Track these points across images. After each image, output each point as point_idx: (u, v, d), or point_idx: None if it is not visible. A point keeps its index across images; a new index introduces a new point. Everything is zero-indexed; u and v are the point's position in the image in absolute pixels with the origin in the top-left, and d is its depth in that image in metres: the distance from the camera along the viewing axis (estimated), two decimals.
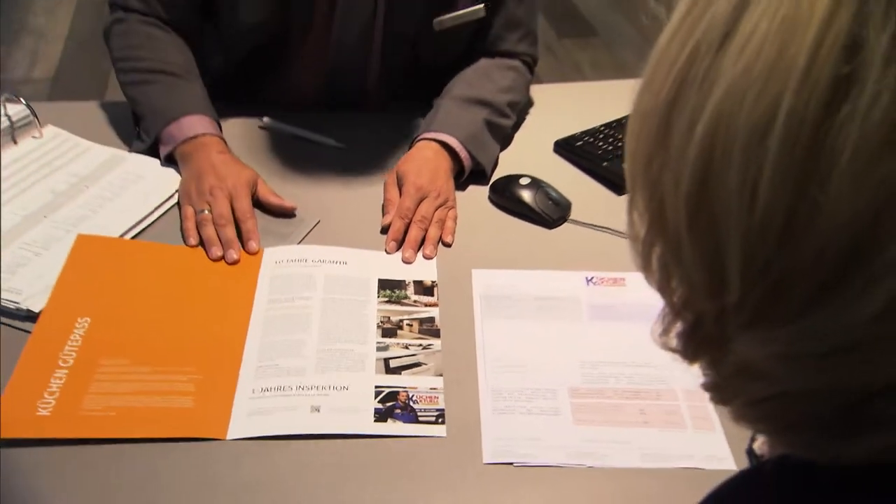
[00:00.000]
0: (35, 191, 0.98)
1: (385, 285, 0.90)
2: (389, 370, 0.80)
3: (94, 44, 2.71)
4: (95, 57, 2.69)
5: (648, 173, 0.30)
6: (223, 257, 0.91)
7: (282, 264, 0.91)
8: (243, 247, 0.93)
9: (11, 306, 0.82)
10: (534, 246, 0.97)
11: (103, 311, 0.83)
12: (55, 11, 3.09)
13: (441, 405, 0.76)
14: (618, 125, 1.14)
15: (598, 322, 0.86)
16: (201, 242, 0.93)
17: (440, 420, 0.75)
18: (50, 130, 1.09)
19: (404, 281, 0.91)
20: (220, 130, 1.05)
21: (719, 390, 0.34)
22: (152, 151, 1.05)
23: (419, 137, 1.04)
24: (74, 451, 0.71)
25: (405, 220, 0.95)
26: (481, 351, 0.82)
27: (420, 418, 0.75)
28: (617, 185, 1.05)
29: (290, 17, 1.06)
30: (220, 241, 0.92)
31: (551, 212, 1.00)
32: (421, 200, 0.97)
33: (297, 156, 1.08)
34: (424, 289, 0.90)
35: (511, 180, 1.03)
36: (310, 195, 1.02)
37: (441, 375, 0.79)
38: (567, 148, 1.12)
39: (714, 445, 0.74)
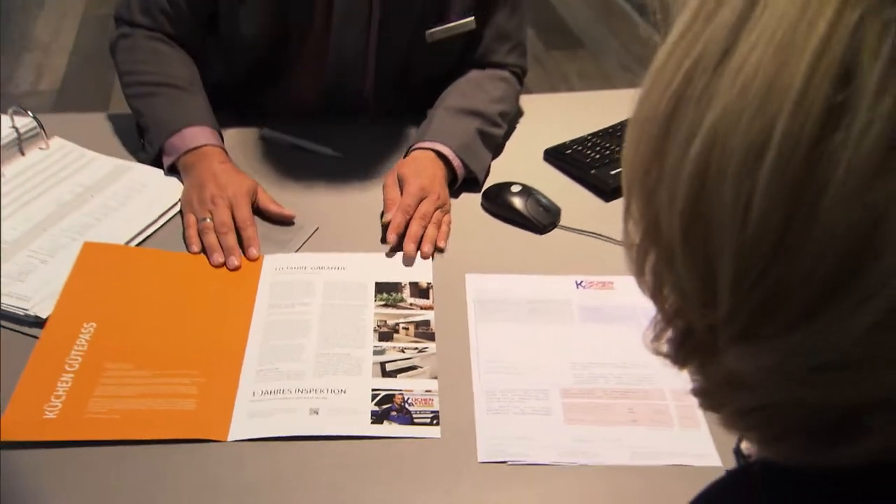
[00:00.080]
0: (42, 201, 1.00)
1: (382, 288, 0.92)
2: (386, 373, 0.82)
3: (98, 57, 2.74)
4: (100, 70, 2.72)
5: (645, 183, 0.30)
6: (225, 264, 0.93)
7: (282, 271, 0.93)
8: (244, 253, 0.95)
9: (20, 312, 0.84)
10: (525, 251, 0.98)
11: (109, 316, 0.85)
12: (60, 26, 3.13)
13: (436, 407, 0.78)
14: (605, 134, 1.16)
15: (588, 324, 0.88)
16: (203, 250, 0.95)
17: (435, 422, 0.77)
18: (56, 142, 1.11)
19: (401, 283, 0.93)
20: (223, 141, 1.07)
21: (708, 397, 0.34)
22: (156, 162, 1.07)
23: (414, 147, 1.06)
24: (76, 453, 0.72)
25: (407, 216, 0.97)
26: (475, 353, 0.84)
27: (415, 420, 0.77)
28: (605, 192, 1.07)
29: (289, 28, 1.08)
30: (221, 248, 0.94)
31: (542, 218, 1.01)
32: (422, 200, 0.99)
33: (296, 165, 1.10)
34: (420, 291, 0.92)
35: (503, 188, 1.04)
36: (308, 203, 1.04)
37: (436, 378, 0.81)
38: (556, 156, 1.13)
39: (700, 443, 0.75)
